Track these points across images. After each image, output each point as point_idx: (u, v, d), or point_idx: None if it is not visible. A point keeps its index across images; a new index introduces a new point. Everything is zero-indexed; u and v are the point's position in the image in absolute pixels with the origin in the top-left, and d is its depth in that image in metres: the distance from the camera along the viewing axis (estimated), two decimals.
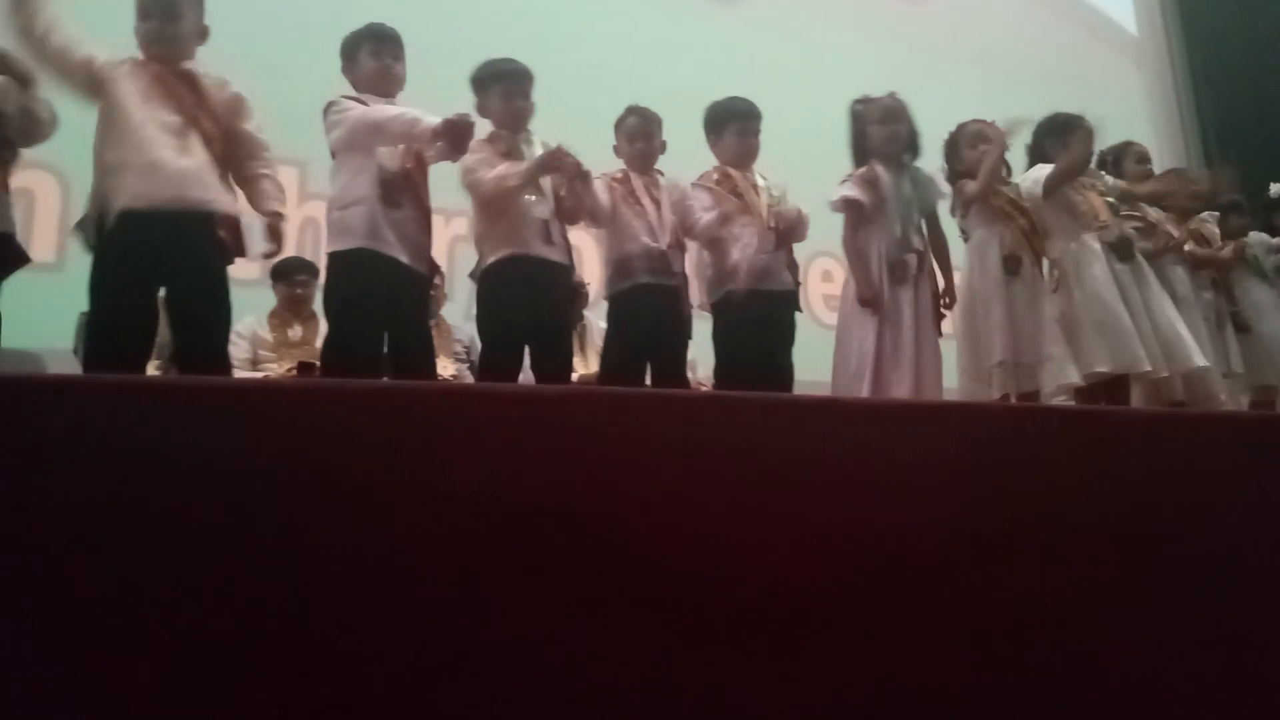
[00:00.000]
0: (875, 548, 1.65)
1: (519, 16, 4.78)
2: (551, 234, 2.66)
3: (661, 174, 2.97)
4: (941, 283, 3.03)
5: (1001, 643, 1.71)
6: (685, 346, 2.93)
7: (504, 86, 2.71)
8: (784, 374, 2.87)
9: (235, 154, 2.45)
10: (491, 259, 2.63)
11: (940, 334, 2.95)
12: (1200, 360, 3.05)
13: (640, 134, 2.92)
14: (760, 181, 3.00)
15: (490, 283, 2.64)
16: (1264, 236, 3.98)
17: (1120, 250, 3.11)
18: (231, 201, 2.38)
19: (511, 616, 1.38)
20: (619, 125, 2.96)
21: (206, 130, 2.33)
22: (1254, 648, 1.90)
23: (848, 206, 2.95)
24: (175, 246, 2.21)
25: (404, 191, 2.50)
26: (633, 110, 2.95)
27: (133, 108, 2.26)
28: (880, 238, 2.92)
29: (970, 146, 3.18)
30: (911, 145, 3.03)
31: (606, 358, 2.91)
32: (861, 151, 3.04)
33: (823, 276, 5.40)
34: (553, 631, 1.39)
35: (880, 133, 2.98)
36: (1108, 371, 2.92)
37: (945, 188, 3.06)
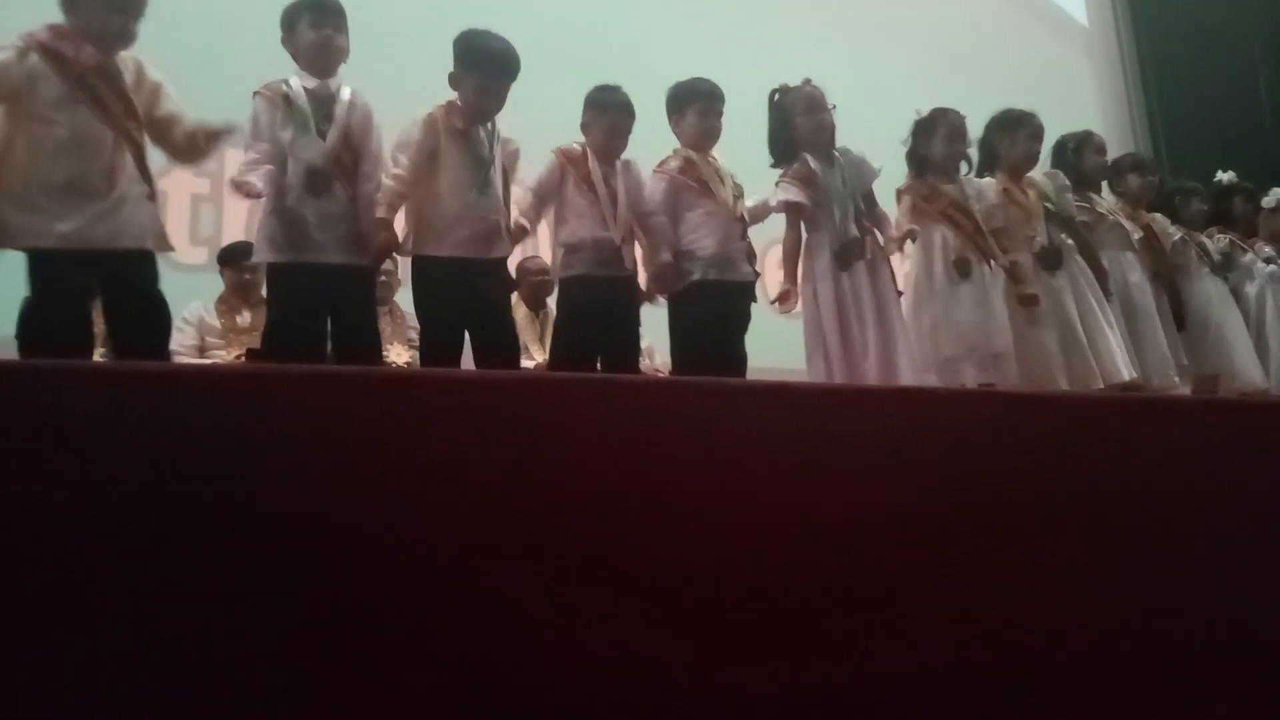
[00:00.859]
0: (827, 531, 1.66)
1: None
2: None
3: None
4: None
5: (960, 621, 1.73)
6: (636, 337, 2.89)
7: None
8: (739, 362, 2.83)
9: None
10: (420, 254, 2.56)
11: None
12: (1127, 374, 3.09)
13: (618, 131, 2.79)
14: (724, 167, 2.95)
15: (420, 280, 2.56)
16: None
17: (1046, 260, 3.16)
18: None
19: (468, 605, 1.36)
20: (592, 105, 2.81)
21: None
22: (1196, 623, 1.94)
23: (789, 209, 2.96)
24: None
25: (326, 183, 2.43)
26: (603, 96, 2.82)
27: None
28: (825, 232, 2.92)
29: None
30: (834, 133, 3.01)
31: (555, 347, 2.86)
32: (784, 143, 3.01)
33: (779, 265, 5.40)
34: (506, 617, 1.38)
35: (807, 123, 2.95)
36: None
37: (875, 165, 3.03)
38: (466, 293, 2.52)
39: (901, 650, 1.64)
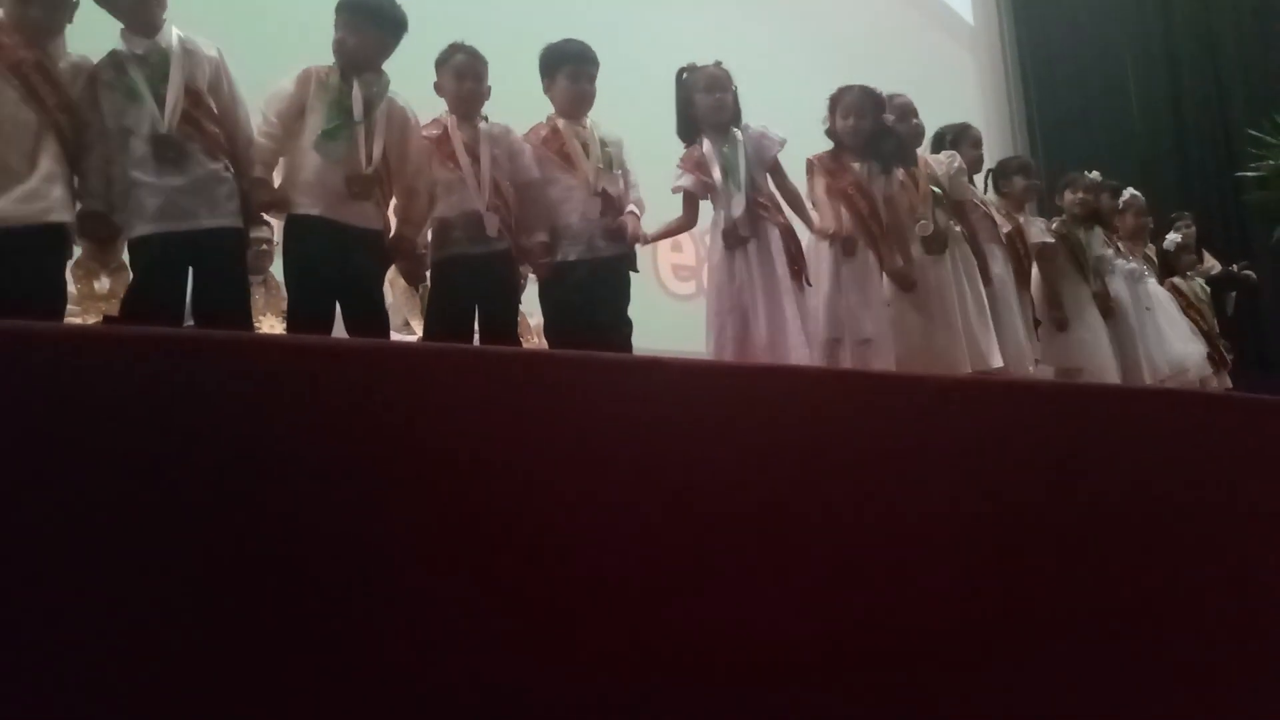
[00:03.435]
0: (687, 507, 1.66)
1: None
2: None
3: (485, 119, 2.75)
4: (806, 238, 3.05)
5: (823, 597, 1.75)
6: (514, 311, 2.83)
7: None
8: (615, 340, 2.70)
9: None
10: (290, 213, 2.46)
11: (803, 286, 2.93)
12: (997, 361, 3.19)
13: (469, 72, 2.68)
14: (595, 136, 2.84)
15: (290, 241, 2.47)
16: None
17: (930, 245, 3.24)
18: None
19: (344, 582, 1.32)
20: (444, 62, 2.71)
21: None
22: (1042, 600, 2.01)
23: (686, 198, 2.97)
24: None
25: (176, 148, 2.30)
26: (459, 47, 2.71)
27: None
28: (719, 212, 2.92)
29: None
30: (736, 114, 2.99)
31: (428, 326, 2.78)
32: (686, 120, 3.01)
33: (672, 246, 5.39)
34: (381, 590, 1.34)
35: (706, 100, 2.94)
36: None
37: (777, 136, 3.01)
38: (337, 257, 2.42)
39: (748, 622, 1.65)
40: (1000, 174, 3.94)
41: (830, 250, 3.06)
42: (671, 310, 5.19)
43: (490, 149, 2.67)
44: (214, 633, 1.24)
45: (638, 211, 2.86)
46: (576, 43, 2.88)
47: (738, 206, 2.87)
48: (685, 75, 3.01)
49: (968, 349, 3.16)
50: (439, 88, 2.71)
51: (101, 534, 1.19)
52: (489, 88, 2.75)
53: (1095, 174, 4.39)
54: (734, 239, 2.86)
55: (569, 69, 2.83)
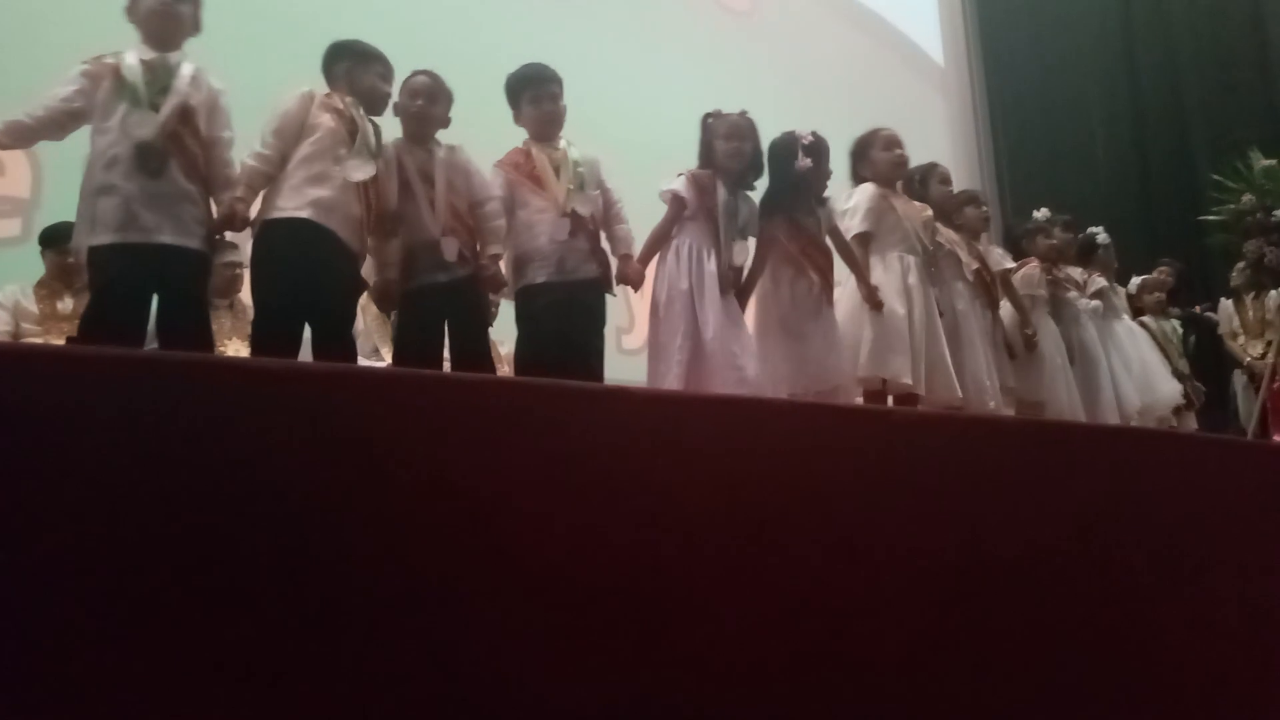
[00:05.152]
0: (657, 533, 1.65)
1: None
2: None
3: (439, 144, 2.74)
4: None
5: (785, 627, 1.74)
6: (483, 337, 2.81)
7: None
8: (587, 364, 2.70)
9: None
10: (267, 217, 2.44)
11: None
12: (958, 394, 3.22)
13: (423, 91, 2.69)
14: (568, 158, 2.83)
15: (264, 246, 2.44)
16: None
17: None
18: None
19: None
20: (404, 82, 2.73)
21: None
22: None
23: (673, 200, 2.96)
24: None
25: (159, 160, 2.29)
26: (421, 70, 2.74)
27: None
28: (692, 238, 2.92)
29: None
30: (754, 164, 3.03)
31: (396, 354, 2.76)
32: (707, 164, 3.02)
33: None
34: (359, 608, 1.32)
35: (724, 147, 2.96)
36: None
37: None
38: (306, 275, 2.39)
39: (710, 651, 1.64)
40: (953, 208, 3.96)
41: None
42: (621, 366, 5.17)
43: (445, 173, 2.67)
44: (161, 657, 1.21)
45: (630, 250, 2.88)
46: (534, 65, 2.90)
47: (730, 256, 2.92)
48: (710, 120, 3.04)
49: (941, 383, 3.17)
50: (396, 108, 2.72)
51: (56, 557, 1.17)
52: (444, 114, 2.76)
53: (1044, 211, 4.43)
54: (727, 287, 2.88)
55: (530, 93, 2.86)
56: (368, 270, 2.67)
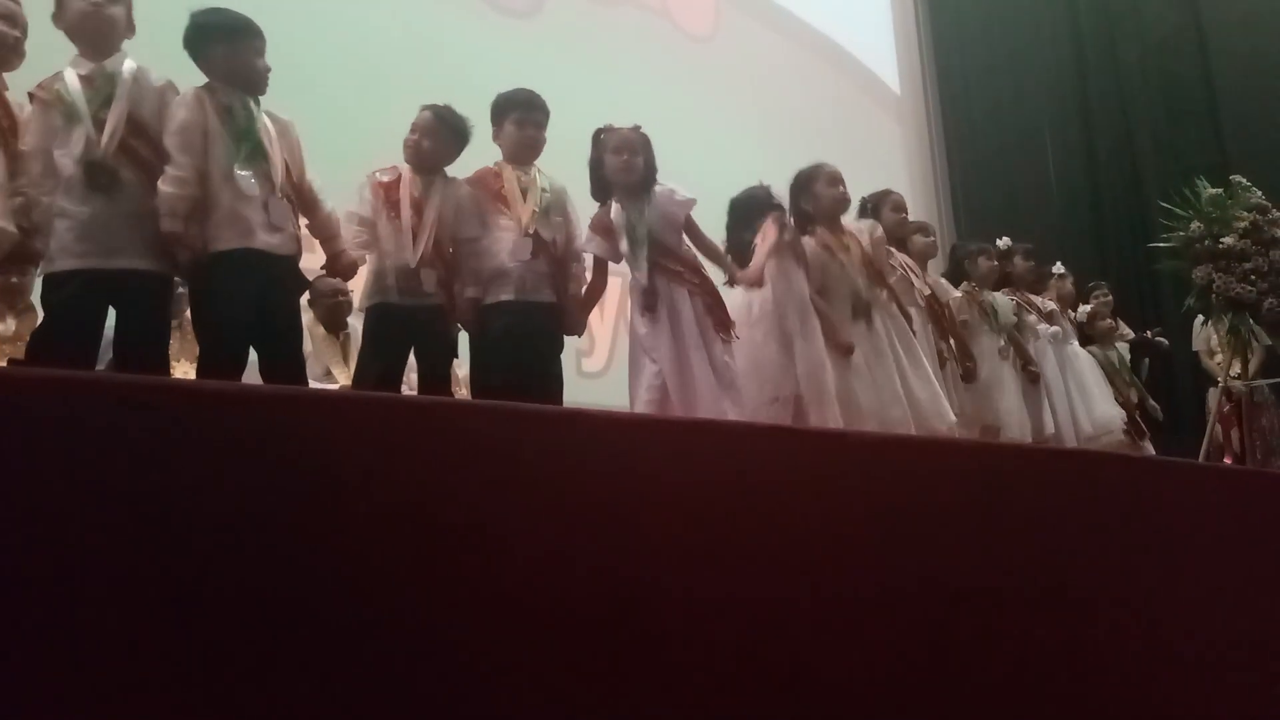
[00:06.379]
0: (612, 557, 1.63)
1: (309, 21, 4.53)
2: (272, 219, 2.36)
3: (444, 177, 2.80)
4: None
5: (745, 653, 1.73)
6: (447, 366, 2.80)
7: None
8: (543, 387, 2.71)
9: None
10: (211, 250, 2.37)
11: (727, 339, 2.90)
12: (950, 419, 3.25)
13: (425, 129, 2.76)
14: (537, 183, 2.86)
15: (209, 277, 2.39)
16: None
17: (855, 311, 3.29)
18: None
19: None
20: (416, 121, 2.80)
21: None
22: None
23: (596, 261, 2.98)
24: None
25: (109, 176, 2.22)
26: (429, 106, 2.81)
27: None
28: (632, 275, 2.89)
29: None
30: (647, 178, 2.95)
31: (358, 374, 2.75)
32: (599, 180, 2.99)
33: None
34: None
35: (614, 162, 2.91)
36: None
37: (684, 196, 2.99)
38: (251, 294, 2.35)
39: (658, 680, 1.62)
40: (904, 235, 3.99)
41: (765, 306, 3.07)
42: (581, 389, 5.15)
43: (438, 205, 2.70)
44: (119, 684, 1.17)
45: (578, 290, 2.93)
46: (525, 90, 2.93)
47: (642, 273, 2.85)
48: (601, 136, 2.99)
49: (911, 412, 3.18)
50: (406, 144, 2.80)
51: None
52: (444, 150, 2.81)
53: (1006, 240, 4.51)
54: (643, 303, 2.84)
55: (516, 115, 2.88)
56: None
